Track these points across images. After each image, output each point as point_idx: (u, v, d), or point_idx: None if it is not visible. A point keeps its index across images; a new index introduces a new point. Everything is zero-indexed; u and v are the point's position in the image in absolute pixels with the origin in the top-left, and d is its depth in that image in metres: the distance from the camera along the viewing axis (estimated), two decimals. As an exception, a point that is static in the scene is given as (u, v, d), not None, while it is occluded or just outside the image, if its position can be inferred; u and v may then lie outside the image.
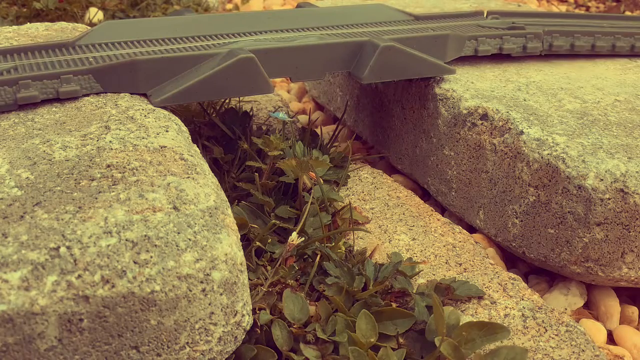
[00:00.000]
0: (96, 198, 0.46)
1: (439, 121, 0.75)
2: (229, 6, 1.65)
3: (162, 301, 0.42)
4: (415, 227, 0.69)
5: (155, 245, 0.43)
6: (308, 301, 0.55)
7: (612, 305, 0.65)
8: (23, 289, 0.40)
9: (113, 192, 0.47)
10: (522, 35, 0.81)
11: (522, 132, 0.65)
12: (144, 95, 0.64)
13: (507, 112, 0.68)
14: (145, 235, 0.43)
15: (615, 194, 0.59)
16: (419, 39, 0.75)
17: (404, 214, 0.71)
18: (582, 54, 0.86)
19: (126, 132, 0.55)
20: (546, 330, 0.56)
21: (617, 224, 0.60)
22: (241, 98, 0.93)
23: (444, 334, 0.50)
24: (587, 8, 1.79)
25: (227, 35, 0.74)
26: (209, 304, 0.44)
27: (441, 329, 0.50)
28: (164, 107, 0.63)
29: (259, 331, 0.52)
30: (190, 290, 0.43)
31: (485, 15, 0.90)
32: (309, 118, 0.94)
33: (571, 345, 0.55)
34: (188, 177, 0.50)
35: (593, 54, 0.87)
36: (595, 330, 0.61)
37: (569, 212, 0.61)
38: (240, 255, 0.47)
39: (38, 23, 0.83)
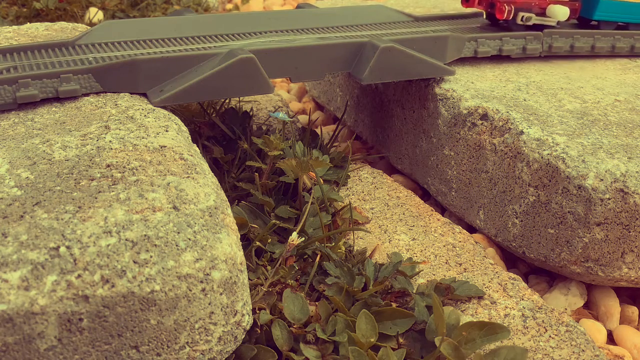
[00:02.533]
0: (96, 198, 0.46)
1: (439, 121, 0.75)
2: (229, 6, 1.65)
3: (162, 301, 0.42)
4: (415, 227, 0.69)
5: (155, 245, 0.43)
6: (308, 301, 0.55)
7: (612, 305, 0.65)
8: (23, 288, 0.40)
9: (113, 191, 0.47)
10: (521, 37, 0.81)
11: (522, 132, 0.65)
12: (144, 95, 0.64)
13: (507, 112, 0.68)
14: (145, 235, 0.43)
15: (615, 194, 0.59)
16: (419, 40, 0.75)
17: (404, 214, 0.71)
18: (582, 54, 0.86)
19: (126, 131, 0.55)
20: (546, 330, 0.56)
21: (617, 224, 0.60)
22: (241, 98, 0.93)
23: (444, 334, 0.50)
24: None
25: (227, 36, 0.74)
26: (209, 304, 0.44)
27: (441, 329, 0.50)
28: (164, 107, 0.63)
29: (259, 331, 0.52)
30: (190, 290, 0.43)
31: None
32: (309, 118, 0.94)
33: (571, 345, 0.55)
34: (188, 176, 0.50)
35: (593, 55, 0.87)
36: (595, 330, 0.61)
37: (569, 212, 0.61)
38: (240, 255, 0.47)
39: (38, 23, 0.83)
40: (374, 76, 0.72)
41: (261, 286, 0.56)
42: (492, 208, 0.69)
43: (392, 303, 0.57)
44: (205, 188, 0.49)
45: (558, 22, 0.83)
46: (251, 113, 0.85)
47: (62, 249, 0.41)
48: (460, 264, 0.64)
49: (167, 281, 0.42)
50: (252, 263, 0.59)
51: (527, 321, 0.57)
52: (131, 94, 0.64)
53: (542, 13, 0.81)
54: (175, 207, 0.46)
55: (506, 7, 0.78)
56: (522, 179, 0.65)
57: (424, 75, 0.75)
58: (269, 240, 0.61)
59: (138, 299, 0.42)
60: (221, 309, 0.45)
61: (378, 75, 0.72)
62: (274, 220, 0.62)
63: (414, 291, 0.58)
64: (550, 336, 0.55)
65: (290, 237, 0.58)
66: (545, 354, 0.54)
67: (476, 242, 0.67)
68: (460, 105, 0.72)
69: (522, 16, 0.79)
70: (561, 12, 0.80)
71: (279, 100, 1.00)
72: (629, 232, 0.60)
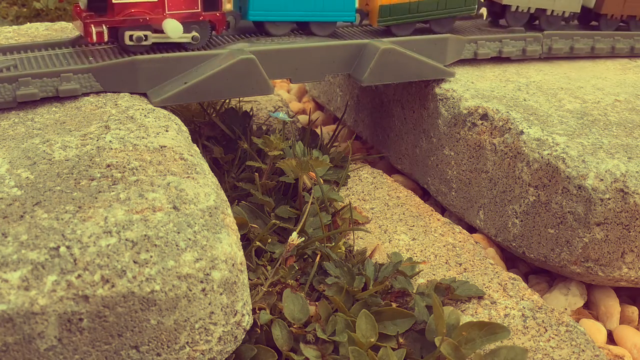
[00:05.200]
0: (96, 198, 0.46)
1: (439, 121, 0.75)
2: (229, 6, 1.65)
3: (162, 301, 0.42)
4: (415, 227, 0.69)
5: (155, 245, 0.43)
6: (308, 301, 0.55)
7: (612, 305, 0.65)
8: (23, 288, 0.40)
9: (113, 191, 0.47)
10: (521, 39, 0.81)
11: (522, 132, 0.65)
12: (144, 94, 0.64)
13: (507, 112, 0.68)
14: (145, 235, 0.43)
15: (615, 194, 0.59)
16: (419, 41, 0.75)
17: (404, 214, 0.71)
18: (582, 56, 0.86)
19: (126, 131, 0.55)
20: (546, 330, 0.56)
21: (617, 224, 0.60)
22: (241, 98, 0.93)
23: (444, 334, 0.50)
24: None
25: (227, 36, 0.74)
26: (209, 304, 0.44)
27: (441, 329, 0.50)
28: (164, 107, 0.63)
29: (259, 331, 0.52)
30: (190, 290, 0.43)
31: (485, 17, 0.90)
32: (309, 118, 0.94)
33: (571, 345, 0.55)
34: (188, 176, 0.50)
35: (593, 56, 0.87)
36: (595, 330, 0.61)
37: (569, 212, 0.61)
38: (240, 255, 0.47)
39: (38, 23, 0.83)
40: (374, 78, 0.72)
41: (261, 286, 0.56)
42: (492, 208, 0.69)
43: (392, 303, 0.57)
44: (205, 188, 0.49)
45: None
46: (251, 113, 0.85)
47: (62, 249, 0.41)
48: (460, 264, 0.64)
49: (167, 281, 0.42)
50: (252, 263, 0.59)
51: (527, 321, 0.57)
52: (131, 93, 0.64)
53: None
54: (175, 207, 0.46)
55: (93, 28, 0.62)
56: (522, 179, 0.65)
57: (423, 77, 0.75)
58: (269, 240, 0.61)
59: (138, 299, 0.42)
60: (221, 309, 0.45)
61: (378, 76, 0.72)
62: (274, 220, 0.62)
63: (414, 291, 0.58)
64: (550, 336, 0.55)
65: (290, 237, 0.58)
66: (545, 354, 0.54)
67: (476, 242, 0.67)
68: (460, 105, 0.72)
69: (131, 35, 0.63)
70: (170, 28, 0.64)
71: (279, 100, 1.00)
72: (629, 232, 0.60)
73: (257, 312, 0.53)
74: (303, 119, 1.00)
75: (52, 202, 0.45)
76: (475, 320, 0.53)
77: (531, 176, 0.64)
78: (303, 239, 0.59)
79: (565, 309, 0.64)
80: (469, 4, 0.76)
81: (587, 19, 0.88)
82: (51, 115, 0.59)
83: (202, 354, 0.45)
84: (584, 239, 0.61)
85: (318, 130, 0.90)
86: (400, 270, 0.59)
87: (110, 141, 0.54)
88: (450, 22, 0.78)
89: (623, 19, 0.87)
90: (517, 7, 0.80)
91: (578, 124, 0.67)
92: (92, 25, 0.62)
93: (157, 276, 0.42)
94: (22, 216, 0.44)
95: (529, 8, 0.81)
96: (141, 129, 0.56)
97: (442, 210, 0.79)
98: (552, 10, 0.82)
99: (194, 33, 0.66)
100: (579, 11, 0.84)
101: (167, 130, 0.57)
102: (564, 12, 0.83)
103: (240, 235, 0.56)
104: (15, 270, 0.40)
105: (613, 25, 0.87)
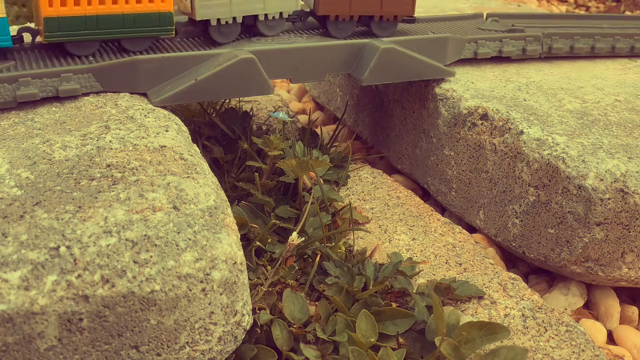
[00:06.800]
0: (96, 198, 0.46)
1: (439, 121, 0.75)
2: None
3: (162, 301, 0.42)
4: (415, 227, 0.69)
5: (155, 245, 0.43)
6: (308, 301, 0.55)
7: (612, 305, 0.65)
8: (23, 288, 0.40)
9: (113, 191, 0.47)
10: (521, 38, 0.82)
11: (522, 132, 0.65)
12: (144, 95, 0.64)
13: (507, 112, 0.68)
14: (145, 235, 0.43)
15: (615, 193, 0.59)
16: (419, 41, 0.75)
17: (404, 214, 0.71)
18: (582, 55, 0.86)
19: (126, 131, 0.55)
20: (546, 330, 0.56)
21: (617, 224, 0.60)
22: (241, 98, 0.93)
23: (444, 334, 0.50)
24: (587, 8, 1.79)
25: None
26: (209, 304, 0.44)
27: (441, 329, 0.50)
28: (164, 107, 0.63)
29: (259, 331, 0.52)
30: (190, 290, 0.43)
31: (485, 17, 0.91)
32: (309, 118, 0.94)
33: (571, 345, 0.55)
34: (188, 176, 0.50)
35: (593, 55, 0.87)
36: (595, 330, 0.61)
37: (569, 212, 0.61)
38: (240, 255, 0.47)
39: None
40: (374, 77, 0.72)
41: (261, 286, 0.56)
42: (492, 208, 0.69)
43: (392, 303, 0.57)
44: (205, 188, 0.49)
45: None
46: (251, 113, 0.85)
47: (62, 249, 0.41)
48: (460, 264, 0.64)
49: (167, 281, 0.42)
50: (252, 263, 0.59)
51: (527, 321, 0.57)
52: (131, 93, 0.64)
53: None
54: (175, 207, 0.46)
55: None
56: (522, 179, 0.65)
57: (424, 77, 0.75)
58: (269, 240, 0.61)
59: (138, 298, 0.42)
60: (221, 309, 0.45)
61: (378, 76, 0.72)
62: (274, 220, 0.62)
63: (414, 291, 0.58)
64: (550, 336, 0.55)
65: (290, 237, 0.58)
66: (545, 354, 0.54)
67: (476, 242, 0.67)
68: (460, 105, 0.72)
69: None
70: None
71: (279, 100, 1.00)
72: (629, 232, 0.60)
73: (257, 312, 0.53)
74: (303, 119, 1.00)
75: (52, 202, 0.46)
76: (475, 320, 0.53)
77: (531, 176, 0.64)
78: (303, 239, 0.59)
79: (565, 309, 0.64)
80: (163, 24, 0.66)
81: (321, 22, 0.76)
82: (51, 115, 0.59)
83: (202, 354, 0.45)
84: (584, 239, 0.61)
85: (318, 130, 0.90)
86: (400, 270, 0.59)
87: (110, 141, 0.54)
88: (145, 42, 0.67)
89: (358, 21, 0.74)
90: (219, 20, 0.68)
91: (578, 124, 0.67)
92: None
93: (157, 276, 0.42)
94: (22, 216, 0.44)
95: (235, 18, 0.69)
96: (141, 129, 0.56)
97: (442, 210, 0.79)
98: (266, 15, 0.71)
99: None
100: (293, 9, 0.72)
101: (167, 130, 0.57)
102: (281, 13, 0.72)
103: (240, 235, 0.56)
104: (15, 270, 0.40)
105: (347, 29, 0.74)
